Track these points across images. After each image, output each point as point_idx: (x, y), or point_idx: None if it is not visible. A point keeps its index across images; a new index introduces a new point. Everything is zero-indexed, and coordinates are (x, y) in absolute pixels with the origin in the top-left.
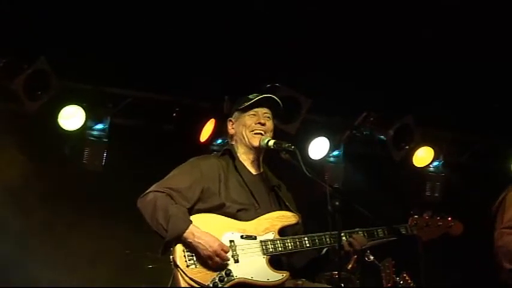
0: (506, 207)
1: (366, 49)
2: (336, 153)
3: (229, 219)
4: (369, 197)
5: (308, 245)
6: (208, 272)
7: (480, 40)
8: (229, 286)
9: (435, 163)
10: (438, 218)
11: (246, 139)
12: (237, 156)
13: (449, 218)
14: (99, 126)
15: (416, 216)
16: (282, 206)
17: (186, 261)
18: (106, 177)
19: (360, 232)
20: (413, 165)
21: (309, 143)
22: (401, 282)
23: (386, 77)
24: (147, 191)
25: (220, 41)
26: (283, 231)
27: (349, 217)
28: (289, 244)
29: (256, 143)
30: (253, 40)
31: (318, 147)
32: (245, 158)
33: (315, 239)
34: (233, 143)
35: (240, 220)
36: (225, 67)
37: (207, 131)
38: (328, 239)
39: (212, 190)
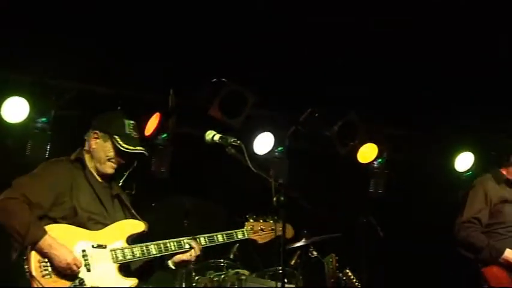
0: (467, 202)
1: (311, 45)
2: (280, 148)
3: (81, 229)
4: (313, 193)
5: (154, 253)
6: (63, 282)
7: (428, 38)
8: None
9: (379, 159)
10: (271, 222)
11: (101, 166)
12: (88, 167)
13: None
14: (43, 118)
15: (251, 221)
16: (126, 213)
17: (41, 271)
18: None
19: (198, 239)
20: (358, 161)
21: (254, 138)
22: (344, 278)
23: (331, 73)
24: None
25: (165, 34)
26: (131, 239)
27: (294, 212)
28: (137, 252)
29: (109, 171)
30: (200, 33)
31: (263, 143)
32: (94, 170)
33: (160, 246)
34: (89, 151)
35: (91, 229)
36: (170, 59)
37: (151, 125)
38: (173, 246)
39: (64, 197)
